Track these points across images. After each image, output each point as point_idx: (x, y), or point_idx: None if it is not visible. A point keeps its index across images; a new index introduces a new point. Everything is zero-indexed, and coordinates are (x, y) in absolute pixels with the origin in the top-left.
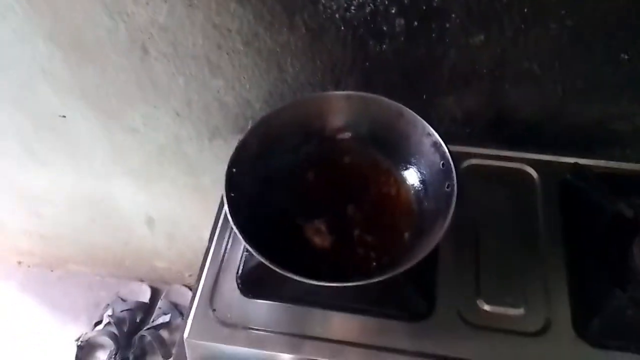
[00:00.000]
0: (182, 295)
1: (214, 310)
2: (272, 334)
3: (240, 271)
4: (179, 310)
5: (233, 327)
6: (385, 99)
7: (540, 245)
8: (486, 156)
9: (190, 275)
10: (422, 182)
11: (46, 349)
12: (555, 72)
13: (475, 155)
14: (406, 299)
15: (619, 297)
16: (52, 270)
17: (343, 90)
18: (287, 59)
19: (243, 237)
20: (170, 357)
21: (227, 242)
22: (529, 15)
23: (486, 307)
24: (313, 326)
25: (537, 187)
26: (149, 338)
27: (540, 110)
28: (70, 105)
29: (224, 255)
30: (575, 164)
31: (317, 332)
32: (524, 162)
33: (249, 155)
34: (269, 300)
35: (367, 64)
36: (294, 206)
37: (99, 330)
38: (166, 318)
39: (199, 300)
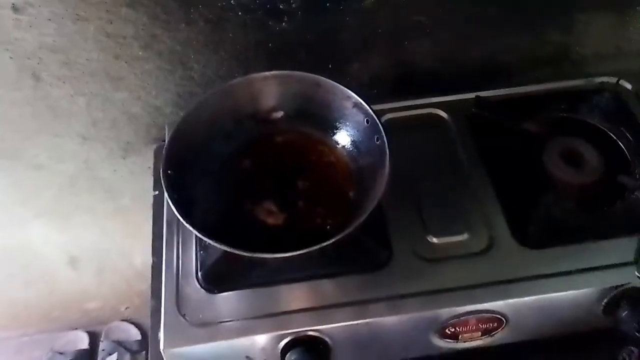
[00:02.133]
0: (124, 331)
1: (183, 315)
2: (245, 321)
3: (199, 271)
4: (125, 347)
5: (207, 325)
6: (301, 73)
7: (466, 175)
8: (397, 109)
9: (127, 308)
10: (353, 142)
11: None
12: (442, 19)
13: (388, 111)
14: (366, 252)
15: (543, 201)
16: None
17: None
18: (189, 55)
19: (199, 233)
20: None
21: (177, 249)
22: None
23: (436, 241)
24: (283, 302)
25: (449, 126)
26: None
27: (435, 57)
28: None
29: (177, 262)
30: (477, 97)
31: (289, 306)
32: (432, 106)
33: (182, 153)
34: (235, 290)
35: (270, 44)
36: (240, 193)
37: None
38: (113, 357)
39: (165, 311)
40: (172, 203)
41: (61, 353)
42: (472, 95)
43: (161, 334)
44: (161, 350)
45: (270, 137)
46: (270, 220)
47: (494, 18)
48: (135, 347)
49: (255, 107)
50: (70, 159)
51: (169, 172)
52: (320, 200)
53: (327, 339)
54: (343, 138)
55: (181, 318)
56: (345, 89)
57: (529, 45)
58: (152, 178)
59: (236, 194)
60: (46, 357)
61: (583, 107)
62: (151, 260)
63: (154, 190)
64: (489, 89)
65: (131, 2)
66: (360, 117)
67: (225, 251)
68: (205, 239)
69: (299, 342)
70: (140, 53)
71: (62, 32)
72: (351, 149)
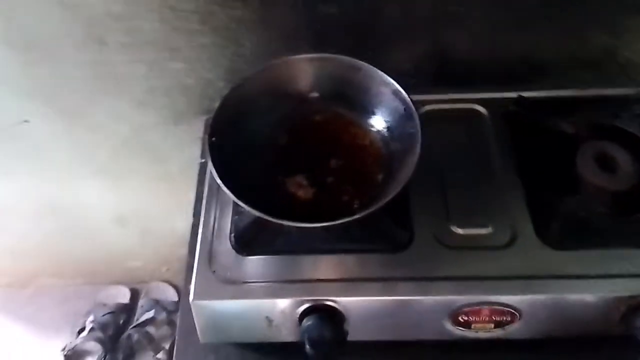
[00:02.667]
0: (163, 292)
1: (213, 271)
2: (269, 284)
3: (231, 233)
4: (162, 306)
5: (233, 284)
6: (343, 57)
7: (496, 170)
8: (435, 101)
9: (167, 270)
10: (387, 128)
11: None
12: (486, 12)
13: (426, 102)
14: (388, 233)
15: (571, 202)
16: (24, 288)
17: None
18: (243, 33)
19: (235, 197)
20: (160, 351)
21: (215, 212)
22: None
23: (459, 231)
24: (306, 271)
25: (486, 121)
26: (136, 336)
27: (474, 52)
28: (31, 109)
29: (214, 224)
30: (519, 95)
31: (311, 275)
32: (471, 101)
33: (226, 123)
34: (262, 255)
35: (318, 27)
36: (274, 165)
37: (83, 337)
38: (150, 314)
39: (197, 266)
40: (214, 168)
41: (104, 304)
42: (512, 93)
43: (192, 287)
44: (190, 302)
45: (308, 116)
46: (300, 194)
47: (537, 15)
48: (171, 307)
49: (296, 87)
50: (126, 122)
51: (213, 139)
52: (349, 179)
53: (342, 310)
54: (378, 122)
55: (211, 274)
56: (385, 75)
57: (572, 46)
58: (200, 147)
59: (271, 166)
60: (89, 307)
61: (624, 114)
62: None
63: (201, 158)
64: (530, 89)
65: None
66: (397, 104)
67: (257, 217)
68: (240, 203)
69: (316, 310)
70: (197, 27)
71: (129, 2)
72: (384, 133)
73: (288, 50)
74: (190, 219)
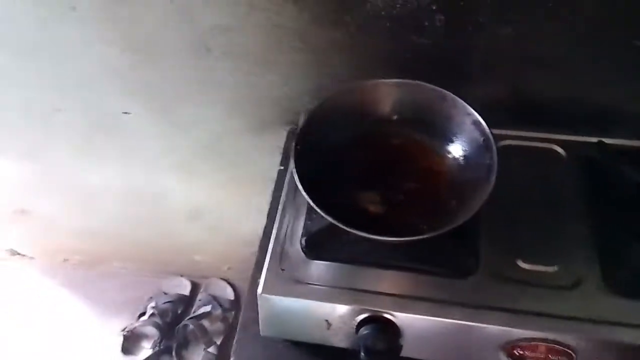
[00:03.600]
0: (221, 289)
1: (282, 269)
2: (333, 289)
3: (303, 237)
4: (219, 302)
5: (300, 283)
6: (429, 85)
7: (569, 212)
8: (515, 137)
9: (228, 269)
10: (464, 157)
11: (92, 341)
12: (576, 58)
13: (506, 137)
14: (454, 257)
15: None
16: (94, 268)
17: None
18: (335, 54)
19: (311, 200)
20: (212, 345)
21: (290, 215)
22: (551, 6)
23: (524, 265)
24: (369, 282)
25: (564, 163)
26: (191, 327)
27: (563, 94)
28: (134, 103)
29: (287, 226)
30: (600, 141)
31: (373, 287)
32: (551, 141)
33: (311, 134)
34: (329, 261)
35: (408, 55)
36: (350, 179)
37: (143, 321)
38: (207, 308)
39: (269, 262)
40: (296, 173)
41: (165, 293)
42: (592, 138)
43: (261, 281)
44: (258, 294)
45: (387, 137)
46: (372, 208)
47: (623, 64)
48: (227, 305)
49: (380, 108)
50: (213, 125)
51: (298, 147)
52: (420, 201)
53: (399, 324)
54: (455, 150)
55: (280, 271)
56: (468, 106)
57: None
58: (279, 156)
59: (347, 179)
60: (152, 294)
61: None
62: (258, 231)
63: (280, 165)
64: (611, 136)
65: (296, 0)
66: (477, 135)
67: (328, 224)
68: (317, 209)
69: (374, 320)
70: (297, 45)
71: (236, 16)
72: (460, 161)
73: (374, 74)
74: (257, 223)
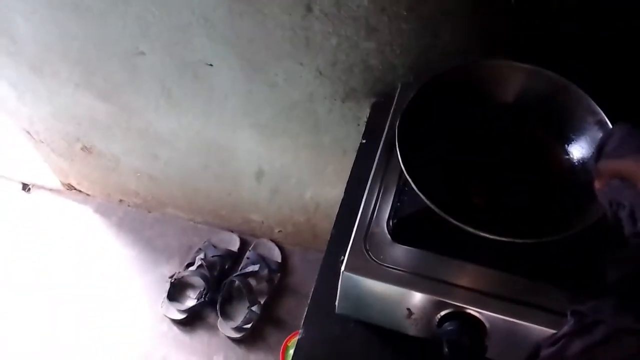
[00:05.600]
0: (269, 250)
1: (367, 250)
2: (420, 278)
3: (391, 219)
4: (266, 263)
5: (385, 266)
6: (551, 73)
7: None
8: None
9: (279, 232)
10: (583, 159)
11: (139, 284)
12: None
13: None
14: (560, 266)
15: None
16: (149, 212)
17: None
18: (445, 26)
19: (415, 186)
20: (256, 304)
21: (378, 194)
22: None
23: None
24: (459, 275)
25: None
26: (237, 283)
27: None
28: (220, 55)
29: (374, 205)
30: None
31: (463, 281)
32: None
33: (417, 112)
34: (417, 247)
35: (524, 37)
36: (455, 167)
37: (191, 271)
38: (255, 267)
39: (353, 240)
40: (400, 153)
41: (215, 247)
42: None
43: (346, 257)
44: (341, 271)
45: (501, 127)
46: (477, 200)
47: None
48: (274, 266)
49: (496, 94)
50: (301, 87)
51: (404, 122)
52: (529, 202)
53: (486, 323)
54: (575, 150)
55: (364, 251)
56: (594, 102)
57: None
58: (357, 127)
59: (452, 165)
60: (202, 245)
61: None
62: (319, 201)
63: (362, 139)
64: None
65: None
66: (600, 136)
67: (422, 208)
68: (420, 194)
69: (459, 316)
70: (404, 12)
71: None
72: (579, 164)
73: (482, 52)
74: (319, 191)
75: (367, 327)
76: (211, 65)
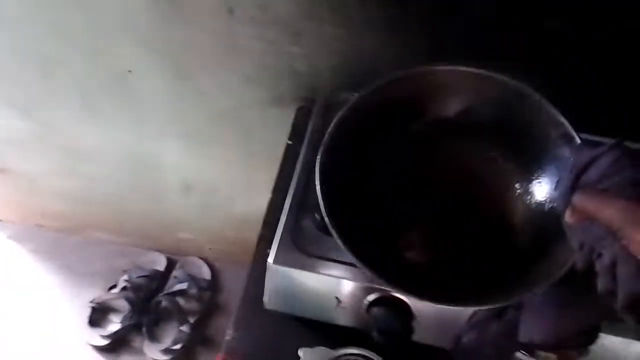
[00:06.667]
0: (198, 267)
1: (293, 242)
2: (346, 266)
3: (317, 212)
4: (195, 281)
5: (311, 257)
6: (502, 77)
7: None
8: None
9: (210, 249)
10: (545, 183)
11: (59, 310)
12: None
13: None
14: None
15: None
16: (70, 236)
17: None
18: (373, 27)
19: (340, 238)
20: (185, 324)
21: (303, 187)
22: None
23: None
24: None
25: None
26: (164, 303)
27: None
28: (145, 63)
29: (301, 198)
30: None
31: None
32: None
33: (341, 139)
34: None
35: (475, 43)
36: (389, 210)
37: (114, 294)
38: (183, 285)
39: (281, 233)
40: (322, 197)
41: (140, 268)
42: None
43: (272, 251)
44: (268, 264)
45: (445, 148)
46: (412, 256)
47: None
48: (203, 284)
49: (437, 106)
50: (229, 94)
51: (324, 156)
52: (483, 250)
53: (412, 306)
54: (535, 171)
55: (291, 243)
56: (556, 110)
57: None
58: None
59: (384, 208)
60: (127, 267)
61: None
62: (250, 215)
63: (289, 140)
64: None
65: None
66: (567, 154)
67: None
68: (350, 253)
69: (386, 301)
70: (327, 15)
71: None
72: (545, 190)
73: (417, 58)
74: (251, 205)
75: (298, 321)
76: (135, 73)
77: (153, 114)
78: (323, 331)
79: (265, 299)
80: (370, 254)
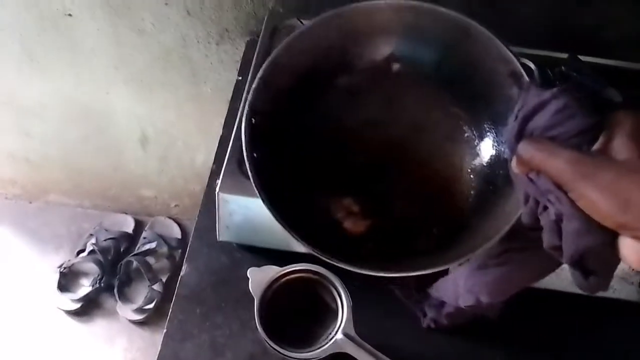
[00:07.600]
0: (167, 227)
1: (242, 171)
2: None
3: None
4: (165, 240)
5: None
6: (447, 11)
7: None
8: None
9: (176, 206)
10: (495, 130)
11: (26, 277)
12: None
13: None
14: None
15: None
16: (30, 202)
17: None
18: None
19: (271, 209)
20: (157, 282)
21: None
22: None
23: None
24: None
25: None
26: (135, 264)
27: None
28: (79, 1)
29: None
30: (570, 55)
31: None
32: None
33: (271, 96)
34: None
35: None
36: (321, 174)
37: (82, 258)
38: (152, 245)
39: (227, 163)
40: (252, 173)
41: (107, 230)
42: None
43: (219, 180)
44: (216, 193)
45: (382, 101)
46: (348, 225)
47: None
48: (173, 244)
49: (370, 52)
50: (171, 32)
51: (253, 120)
52: (424, 209)
53: None
54: (481, 117)
55: (239, 172)
56: (504, 46)
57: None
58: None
59: (313, 169)
60: (93, 230)
61: None
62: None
63: (238, 76)
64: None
65: None
66: (515, 93)
67: None
68: (272, 213)
69: None
70: None
71: None
72: (491, 136)
73: None
74: (211, 155)
75: (253, 251)
76: (71, 15)
77: (95, 58)
78: (278, 258)
79: (218, 231)
80: (306, 226)
